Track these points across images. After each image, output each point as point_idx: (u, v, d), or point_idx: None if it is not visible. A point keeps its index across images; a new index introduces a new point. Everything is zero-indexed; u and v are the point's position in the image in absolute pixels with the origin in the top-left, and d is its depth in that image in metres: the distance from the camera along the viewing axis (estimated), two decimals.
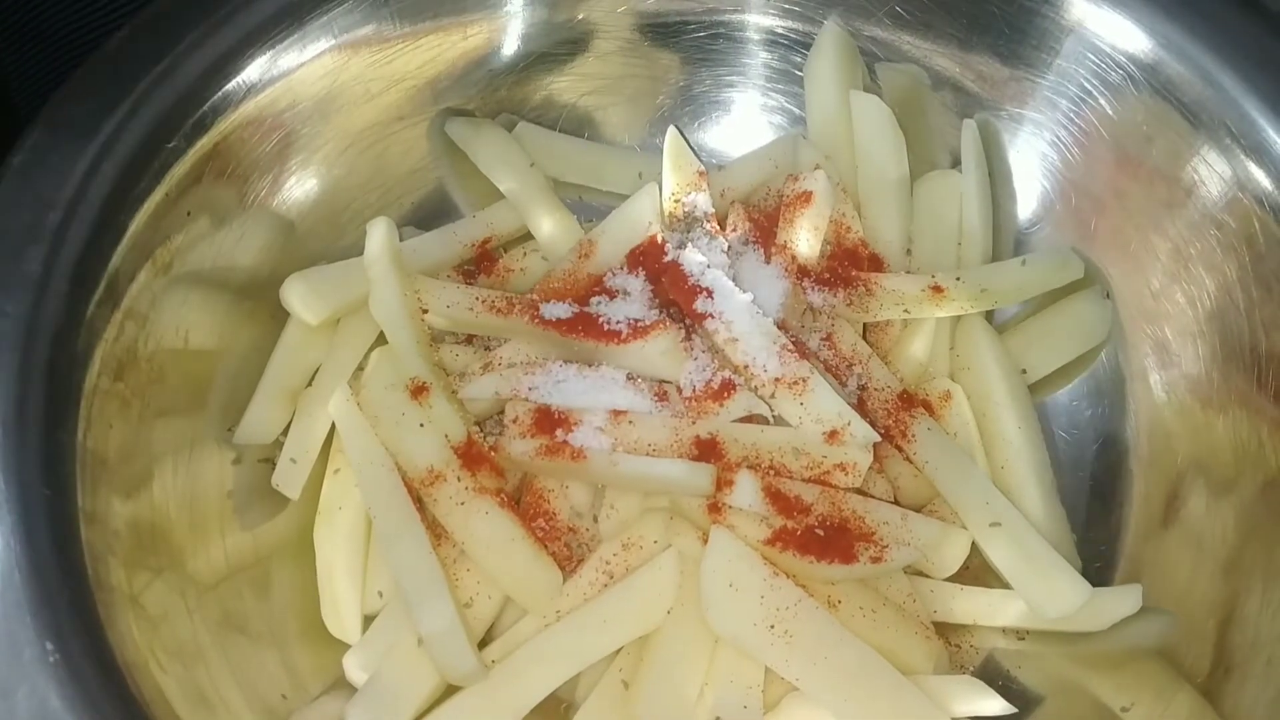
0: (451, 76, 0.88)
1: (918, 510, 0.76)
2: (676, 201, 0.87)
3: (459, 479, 0.73)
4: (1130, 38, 0.77)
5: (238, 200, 0.78)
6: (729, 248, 0.84)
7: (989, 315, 0.86)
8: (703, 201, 0.86)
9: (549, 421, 0.75)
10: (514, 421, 0.76)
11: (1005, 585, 0.74)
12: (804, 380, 0.75)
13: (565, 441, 0.74)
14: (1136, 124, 0.78)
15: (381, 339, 0.80)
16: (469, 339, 0.85)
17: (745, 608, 0.68)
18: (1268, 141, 0.71)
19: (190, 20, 0.73)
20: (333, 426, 0.78)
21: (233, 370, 0.78)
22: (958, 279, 0.82)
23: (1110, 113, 0.80)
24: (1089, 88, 0.80)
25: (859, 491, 0.74)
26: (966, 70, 0.86)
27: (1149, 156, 0.78)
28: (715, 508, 0.72)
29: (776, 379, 0.75)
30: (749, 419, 0.76)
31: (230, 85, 0.75)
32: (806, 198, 0.84)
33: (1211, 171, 0.74)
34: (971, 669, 0.75)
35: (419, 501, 0.74)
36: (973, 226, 0.86)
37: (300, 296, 0.79)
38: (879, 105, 0.87)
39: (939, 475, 0.76)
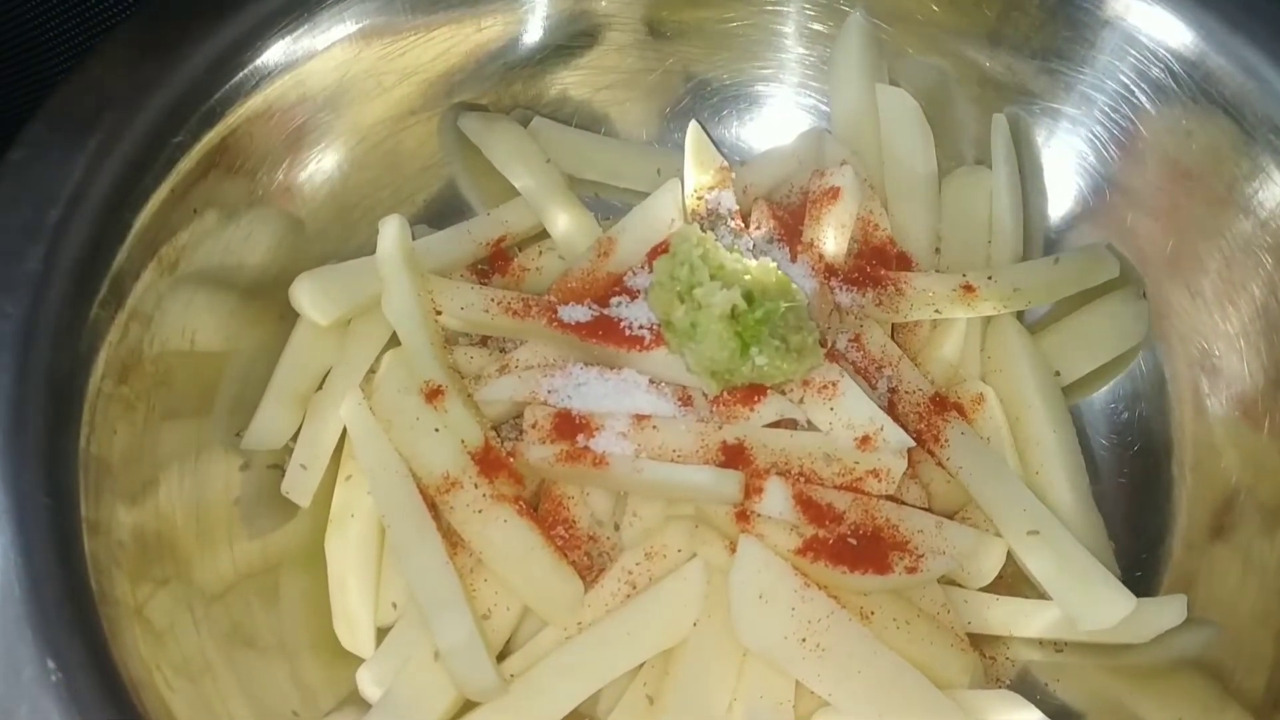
0: (465, 70, 0.87)
1: (951, 517, 0.74)
2: (699, 198, 0.85)
3: (476, 486, 0.72)
4: (1171, 31, 0.75)
5: (246, 197, 0.77)
6: (754, 246, 0.82)
7: (1020, 315, 0.84)
8: (726, 198, 0.85)
9: (569, 426, 0.74)
10: (533, 426, 0.74)
11: (1041, 595, 0.72)
12: (834, 384, 0.73)
13: (586, 447, 0.72)
14: (1177, 120, 0.77)
15: (394, 341, 0.78)
16: (484, 340, 0.83)
17: (775, 620, 0.66)
18: None
19: (198, 10, 0.72)
20: (344, 431, 0.76)
21: (240, 373, 0.77)
22: (989, 278, 0.80)
23: (1150, 109, 0.78)
24: (1127, 83, 0.78)
25: (892, 498, 0.73)
26: (996, 63, 0.85)
27: (1189, 153, 0.77)
28: (743, 516, 0.70)
29: (805, 382, 0.73)
30: (776, 424, 0.74)
31: (239, 77, 0.73)
32: (833, 194, 0.82)
33: (1256, 169, 0.73)
34: (1007, 682, 0.73)
35: (434, 509, 0.72)
36: (1003, 224, 0.84)
37: (310, 296, 0.77)
38: (906, 99, 0.86)
39: (973, 481, 0.74)
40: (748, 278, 0.70)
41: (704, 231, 0.75)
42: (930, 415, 0.77)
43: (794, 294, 0.72)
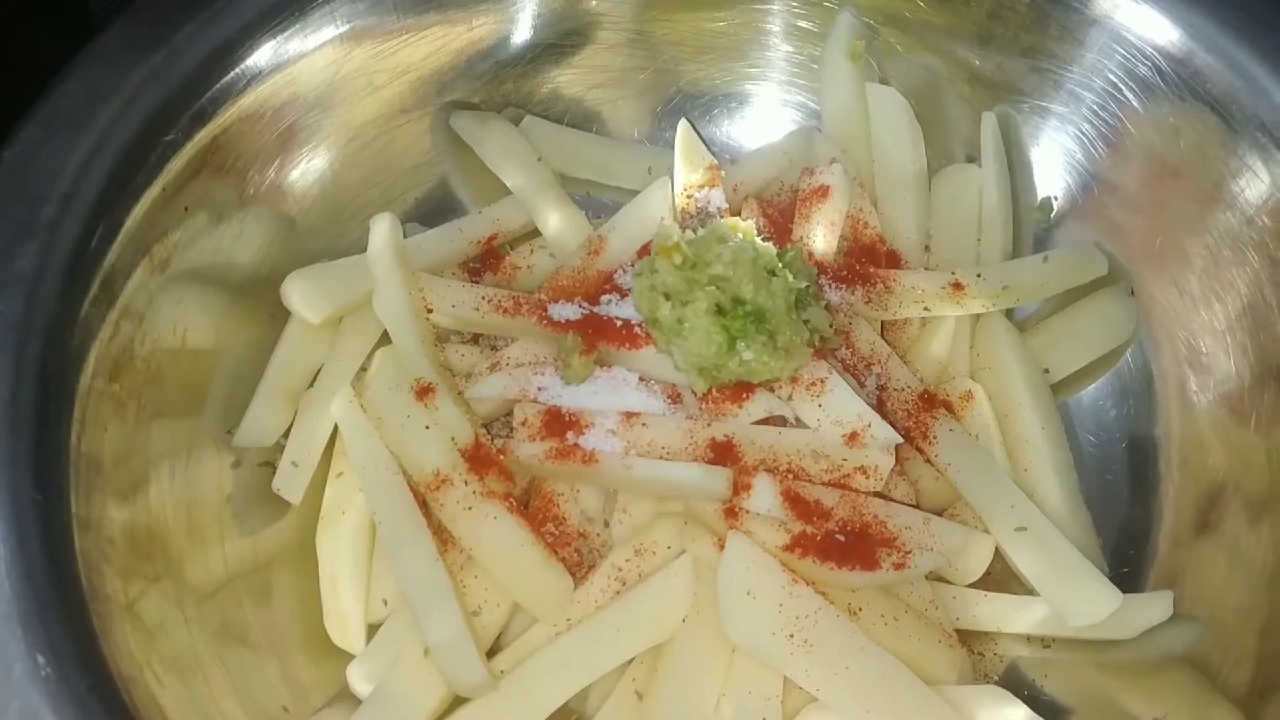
0: (456, 69, 0.87)
1: (939, 514, 0.74)
2: (689, 197, 0.85)
3: (466, 483, 0.72)
4: (1159, 29, 0.75)
5: (237, 195, 0.77)
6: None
7: (1009, 313, 0.84)
8: (716, 197, 0.84)
9: (559, 423, 0.74)
10: (523, 423, 0.75)
11: (1029, 591, 0.72)
12: (822, 380, 0.73)
13: (576, 444, 0.72)
14: (1164, 117, 0.77)
15: (385, 338, 0.79)
16: (475, 338, 0.83)
17: (763, 616, 0.66)
18: None
19: (189, 8, 0.71)
20: (335, 429, 0.76)
21: (232, 371, 0.76)
22: (978, 276, 0.80)
23: (1137, 106, 0.78)
24: (1115, 80, 0.78)
25: (880, 495, 0.73)
26: (985, 62, 0.85)
27: (1176, 151, 0.77)
28: (732, 512, 0.70)
29: (794, 379, 0.73)
30: (765, 421, 0.74)
31: (230, 76, 0.73)
32: (823, 192, 0.82)
33: (1243, 166, 0.73)
34: (995, 678, 0.74)
35: (425, 506, 0.72)
36: (992, 222, 0.84)
37: (302, 294, 0.77)
38: (896, 97, 0.86)
39: (962, 478, 0.74)
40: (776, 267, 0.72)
41: (693, 231, 0.76)
42: (919, 412, 0.77)
43: (811, 272, 0.74)
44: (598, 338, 0.76)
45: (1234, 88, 0.72)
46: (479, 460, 0.73)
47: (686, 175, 0.86)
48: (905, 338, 0.83)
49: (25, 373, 0.60)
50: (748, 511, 0.70)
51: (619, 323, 0.77)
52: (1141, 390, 0.82)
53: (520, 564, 0.70)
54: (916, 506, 0.75)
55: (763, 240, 0.75)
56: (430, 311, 0.79)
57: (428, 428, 0.73)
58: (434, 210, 0.90)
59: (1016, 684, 0.72)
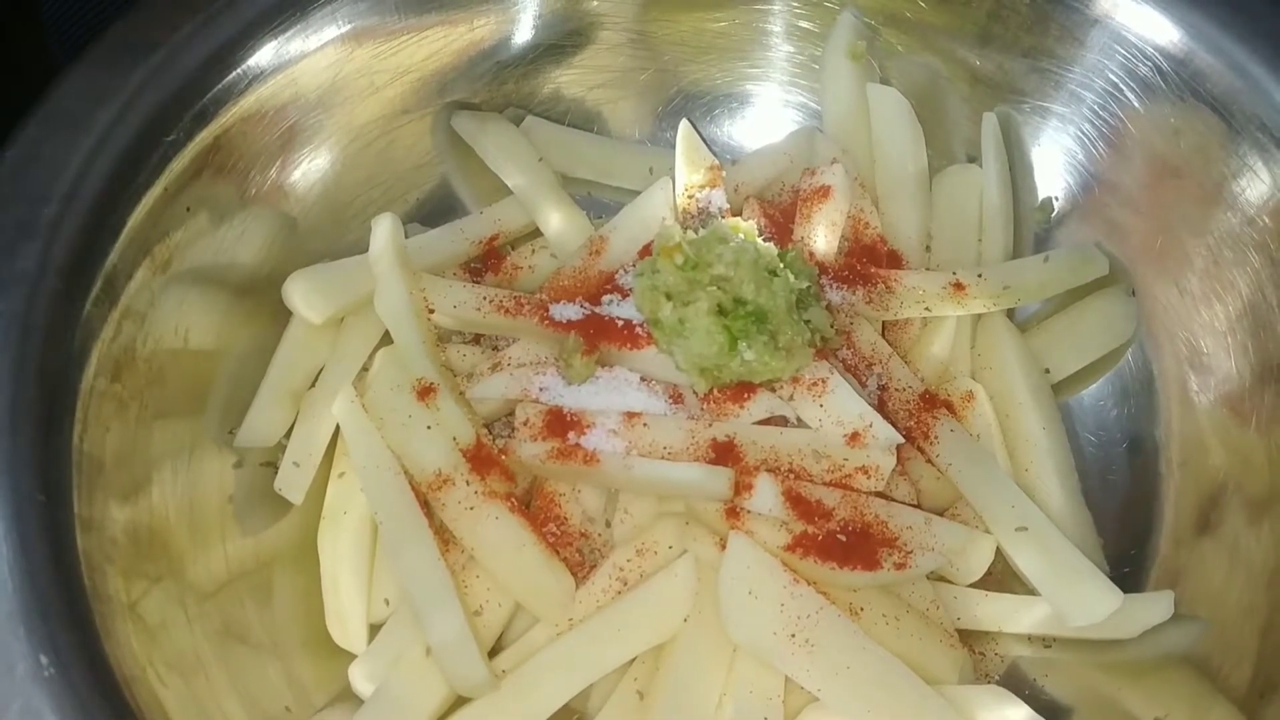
0: (458, 69, 0.87)
1: (940, 514, 0.74)
2: (691, 197, 0.85)
3: (467, 483, 0.72)
4: (1159, 29, 0.75)
5: (238, 195, 0.77)
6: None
7: (1010, 313, 0.84)
8: (717, 197, 0.84)
9: (560, 424, 0.74)
10: (524, 424, 0.75)
11: (1030, 591, 0.72)
12: (824, 381, 0.73)
13: (578, 444, 0.72)
14: (1164, 118, 0.77)
15: (387, 339, 0.79)
16: (477, 338, 0.83)
17: (765, 616, 0.66)
18: None
19: (191, 8, 0.71)
20: (337, 429, 0.76)
21: (233, 371, 0.76)
22: (979, 276, 0.81)
23: (1138, 106, 0.78)
24: (1116, 81, 0.78)
25: (881, 495, 0.73)
26: (986, 62, 0.85)
27: (1177, 151, 0.77)
28: (733, 512, 0.70)
29: (795, 379, 0.73)
30: (766, 421, 0.74)
31: (231, 76, 0.73)
32: (824, 192, 0.82)
33: (1243, 166, 0.73)
34: (996, 678, 0.74)
35: (426, 506, 0.72)
36: (993, 222, 0.84)
37: (303, 295, 0.77)
38: (897, 98, 0.86)
39: (963, 478, 0.74)
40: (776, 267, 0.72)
41: (694, 231, 0.76)
42: (920, 412, 0.77)
43: (812, 272, 0.75)
44: (599, 338, 0.76)
45: (1235, 88, 0.73)
46: (480, 460, 0.73)
47: (688, 175, 0.86)
48: (906, 338, 0.83)
49: (27, 373, 0.60)
50: (749, 511, 0.70)
51: (620, 323, 0.77)
52: (1142, 390, 0.82)
53: (522, 564, 0.70)
54: (918, 506, 0.75)
55: (764, 240, 0.75)
56: (432, 312, 0.79)
57: (429, 428, 0.73)
58: (435, 210, 0.90)
59: (1017, 683, 0.72)
